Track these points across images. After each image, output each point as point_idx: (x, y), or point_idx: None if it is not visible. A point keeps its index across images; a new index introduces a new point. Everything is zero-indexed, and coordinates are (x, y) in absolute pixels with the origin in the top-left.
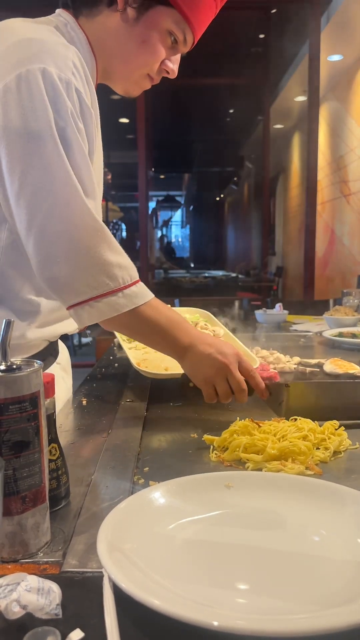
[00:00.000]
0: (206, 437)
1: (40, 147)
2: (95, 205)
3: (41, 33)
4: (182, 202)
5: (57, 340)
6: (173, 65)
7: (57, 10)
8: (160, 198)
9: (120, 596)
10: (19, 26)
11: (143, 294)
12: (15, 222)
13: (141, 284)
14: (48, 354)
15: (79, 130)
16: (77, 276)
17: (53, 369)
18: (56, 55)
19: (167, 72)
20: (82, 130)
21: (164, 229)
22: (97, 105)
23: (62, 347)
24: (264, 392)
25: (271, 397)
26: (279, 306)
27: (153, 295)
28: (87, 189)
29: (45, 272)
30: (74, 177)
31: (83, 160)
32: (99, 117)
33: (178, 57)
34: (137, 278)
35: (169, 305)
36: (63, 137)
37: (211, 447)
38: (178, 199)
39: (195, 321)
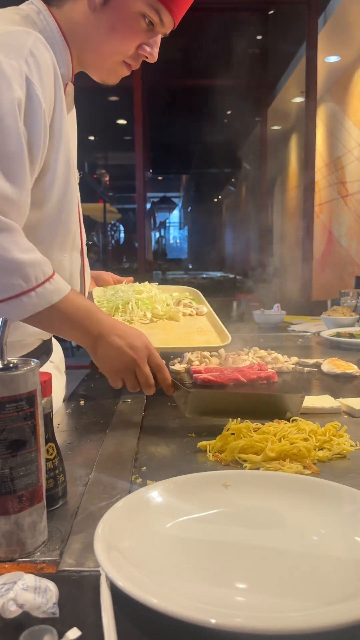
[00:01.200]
0: (201, 444)
1: None
2: (19, 192)
3: (5, 25)
4: (180, 203)
5: (50, 338)
6: (151, 49)
7: None
8: (156, 199)
9: (118, 595)
10: None
11: (58, 289)
12: None
13: (56, 278)
14: (41, 352)
15: (14, 119)
16: None
17: (46, 368)
18: (10, 42)
19: (146, 57)
20: (26, 121)
21: (162, 230)
22: (63, 97)
23: (57, 346)
24: (169, 388)
25: (177, 394)
26: (276, 306)
27: (70, 288)
28: (12, 182)
29: None
30: None
31: (6, 149)
32: (64, 109)
33: (157, 39)
34: (51, 272)
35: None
36: None
37: (208, 447)
38: (176, 200)
39: (181, 298)
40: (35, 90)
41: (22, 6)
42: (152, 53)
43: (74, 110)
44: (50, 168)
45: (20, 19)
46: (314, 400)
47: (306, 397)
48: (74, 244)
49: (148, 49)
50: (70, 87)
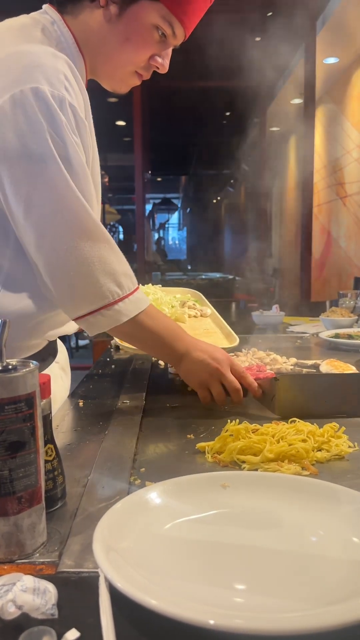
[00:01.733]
0: (199, 445)
1: (42, 168)
2: (95, 214)
3: (30, 44)
4: (179, 204)
5: (56, 339)
6: (163, 60)
7: (44, 6)
8: (157, 201)
9: (116, 596)
10: (7, 36)
11: (143, 299)
12: (23, 242)
13: (140, 289)
14: (47, 353)
15: (77, 145)
16: (90, 287)
17: (52, 368)
18: (47, 70)
19: (157, 68)
20: (79, 145)
21: (161, 232)
22: (90, 109)
23: (61, 347)
24: (257, 390)
25: (264, 395)
26: (275, 307)
27: (149, 301)
28: (90, 202)
29: (58, 287)
30: (79, 194)
31: (84, 176)
32: (92, 122)
33: (169, 51)
34: (137, 284)
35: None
36: (64, 157)
37: (207, 448)
38: (175, 201)
39: (185, 300)
40: (80, 115)
41: (36, 15)
42: (164, 64)
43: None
44: (94, 183)
45: (41, 35)
46: None
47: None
48: None
49: (160, 60)
50: (87, 96)
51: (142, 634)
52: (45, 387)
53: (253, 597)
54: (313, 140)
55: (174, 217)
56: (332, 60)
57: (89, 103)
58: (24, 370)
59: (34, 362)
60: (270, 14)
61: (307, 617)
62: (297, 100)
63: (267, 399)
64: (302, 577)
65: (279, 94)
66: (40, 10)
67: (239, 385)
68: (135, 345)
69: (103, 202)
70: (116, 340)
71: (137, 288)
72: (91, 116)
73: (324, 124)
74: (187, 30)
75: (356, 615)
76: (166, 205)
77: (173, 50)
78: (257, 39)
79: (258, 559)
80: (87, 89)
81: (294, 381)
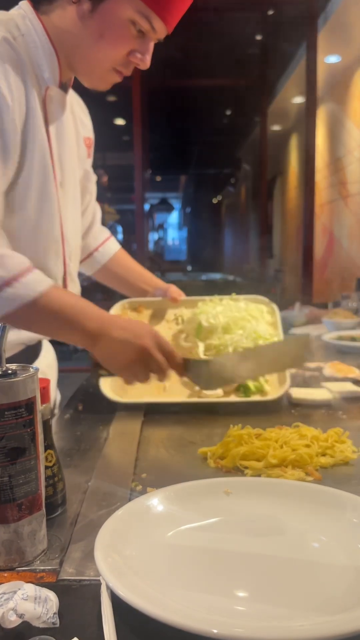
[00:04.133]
0: (201, 450)
1: None
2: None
3: None
4: (179, 204)
5: (38, 344)
6: (143, 56)
7: (20, 2)
8: (154, 201)
9: (118, 604)
10: None
11: (41, 280)
12: None
13: (36, 271)
14: (24, 359)
15: None
16: None
17: None
18: None
19: (138, 64)
20: None
21: (160, 232)
22: (53, 95)
23: (48, 351)
24: (182, 370)
25: (193, 369)
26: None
27: (52, 281)
28: None
29: None
30: None
31: None
32: (38, 104)
33: (150, 46)
34: (29, 264)
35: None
36: None
37: (209, 453)
38: (175, 201)
39: (256, 316)
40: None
41: (12, 10)
42: (144, 60)
43: (69, 114)
44: (24, 170)
45: None
46: (309, 393)
47: (301, 389)
48: (57, 251)
49: (139, 55)
50: (55, 91)
51: None
52: (45, 392)
53: (256, 605)
54: (314, 140)
55: (174, 217)
56: (333, 59)
57: (39, 92)
58: (24, 375)
59: (34, 367)
60: (271, 12)
61: (311, 627)
62: (299, 99)
63: (193, 375)
64: (305, 585)
65: (280, 93)
66: (17, 7)
67: (167, 366)
68: (35, 331)
69: (102, 202)
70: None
71: (30, 268)
72: (39, 106)
73: (325, 123)
74: (169, 23)
75: (358, 625)
76: (164, 206)
77: (173, 49)
78: (258, 37)
79: (261, 567)
80: (73, 83)
81: (224, 361)
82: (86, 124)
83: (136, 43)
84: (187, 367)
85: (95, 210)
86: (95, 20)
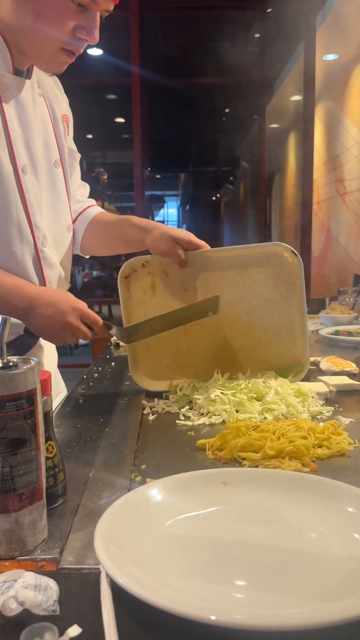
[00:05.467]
0: (200, 442)
1: None
2: None
3: None
4: (178, 202)
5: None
6: (89, 31)
7: None
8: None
9: (118, 592)
10: None
11: None
12: None
13: None
14: (16, 348)
15: None
16: None
17: None
18: None
19: (86, 40)
20: None
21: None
22: (5, 82)
23: (41, 345)
24: (105, 333)
25: (116, 333)
26: None
27: None
28: None
29: None
30: None
31: None
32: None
33: (95, 19)
34: None
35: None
36: None
37: (207, 445)
38: (174, 198)
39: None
40: None
41: None
42: (91, 34)
43: (39, 98)
44: None
45: None
46: (306, 387)
47: (299, 383)
48: (23, 238)
49: (84, 31)
50: (9, 78)
51: (143, 629)
52: (45, 384)
53: (254, 593)
54: (312, 137)
55: (173, 215)
56: (331, 56)
57: None
58: (25, 367)
59: (35, 359)
60: (269, 10)
61: (308, 613)
62: (297, 97)
63: (118, 336)
64: (303, 573)
65: (278, 91)
66: None
67: (89, 334)
68: None
69: (102, 200)
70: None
71: None
72: None
73: (323, 121)
74: None
75: (356, 611)
76: (155, 203)
77: (172, 47)
78: (257, 35)
79: (259, 556)
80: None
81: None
82: (61, 100)
83: (79, 18)
84: (110, 330)
85: (82, 185)
86: (30, 1)
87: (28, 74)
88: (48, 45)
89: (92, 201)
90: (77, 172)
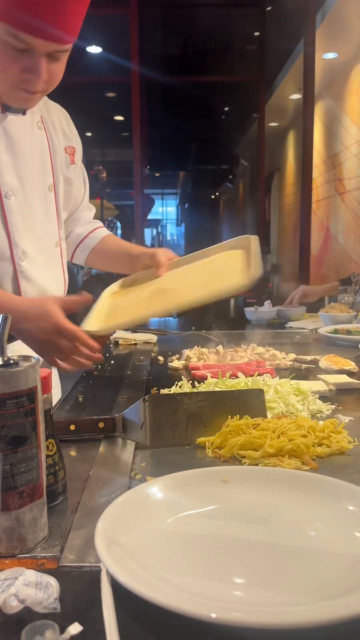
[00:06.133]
0: (200, 440)
1: None
2: None
3: None
4: (177, 200)
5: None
6: (34, 74)
7: None
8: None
9: (118, 590)
10: None
11: None
12: None
13: None
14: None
15: None
16: None
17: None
18: None
19: (35, 79)
20: None
21: (159, 227)
22: None
23: None
24: (96, 355)
25: (129, 424)
26: (267, 303)
27: None
28: None
29: None
30: None
31: None
32: None
33: (40, 62)
34: None
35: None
36: None
37: (207, 443)
38: (173, 197)
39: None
40: None
41: None
42: (37, 75)
43: (37, 130)
44: None
45: None
46: (305, 385)
47: (298, 382)
48: (0, 254)
49: (30, 72)
50: None
51: (144, 627)
52: (46, 382)
53: (254, 591)
54: (312, 136)
55: (172, 213)
56: (331, 55)
57: None
58: (26, 365)
59: (35, 356)
60: (269, 8)
61: (308, 611)
62: (296, 96)
63: (134, 428)
64: (302, 571)
65: (277, 89)
66: None
67: (78, 350)
68: None
69: (101, 198)
70: (116, 336)
71: None
72: None
73: (322, 120)
74: (46, 36)
75: (356, 609)
76: (145, 200)
77: (172, 45)
78: (256, 33)
79: (259, 553)
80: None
81: (165, 401)
82: (68, 133)
83: (24, 61)
84: (94, 339)
85: (89, 208)
86: None
87: (23, 110)
88: (2, 86)
89: (100, 223)
90: (86, 196)
